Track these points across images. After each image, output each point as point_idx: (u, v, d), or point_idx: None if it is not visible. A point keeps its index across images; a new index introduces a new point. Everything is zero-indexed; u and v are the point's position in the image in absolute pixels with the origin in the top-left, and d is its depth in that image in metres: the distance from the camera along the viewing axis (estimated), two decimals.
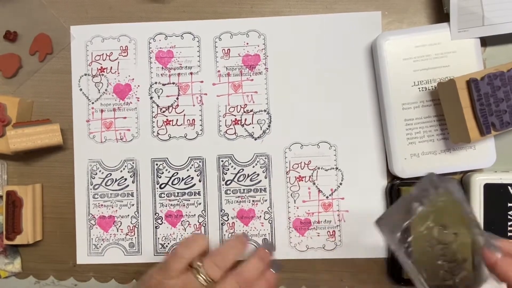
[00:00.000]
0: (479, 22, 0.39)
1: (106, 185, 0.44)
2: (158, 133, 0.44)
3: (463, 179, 0.42)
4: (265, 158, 0.43)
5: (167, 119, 0.44)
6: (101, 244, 0.43)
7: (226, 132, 0.43)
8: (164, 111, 0.44)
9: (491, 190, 0.39)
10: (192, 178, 0.43)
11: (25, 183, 0.43)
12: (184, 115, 0.44)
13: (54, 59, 0.44)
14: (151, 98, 0.43)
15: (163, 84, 0.42)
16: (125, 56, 0.42)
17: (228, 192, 0.43)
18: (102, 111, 0.44)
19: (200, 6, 0.44)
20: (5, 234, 0.42)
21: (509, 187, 0.39)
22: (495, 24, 0.39)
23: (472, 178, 0.40)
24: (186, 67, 0.43)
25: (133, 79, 0.40)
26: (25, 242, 0.42)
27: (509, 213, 0.40)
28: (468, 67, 0.40)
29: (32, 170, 0.44)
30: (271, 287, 0.37)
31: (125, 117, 0.44)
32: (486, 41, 0.41)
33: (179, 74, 0.43)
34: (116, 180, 0.44)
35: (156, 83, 0.43)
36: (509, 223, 0.40)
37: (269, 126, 0.43)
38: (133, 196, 0.43)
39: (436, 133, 0.40)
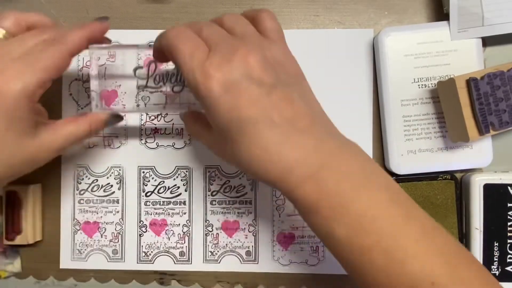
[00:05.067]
0: (479, 22, 0.39)
1: (92, 191, 0.44)
2: (146, 141, 0.44)
3: (462, 179, 0.42)
4: None
5: (155, 128, 0.44)
6: (85, 250, 0.44)
7: None
8: (153, 119, 0.44)
9: (491, 190, 0.40)
10: (178, 187, 0.43)
11: (25, 183, 0.43)
12: (173, 124, 0.44)
13: None
14: (138, 106, 0.43)
15: (151, 92, 0.42)
16: (112, 61, 0.41)
17: (214, 203, 0.43)
18: None
19: (200, 6, 0.44)
20: (5, 234, 0.43)
21: (509, 187, 0.40)
22: (495, 24, 0.39)
23: (472, 178, 0.40)
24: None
25: (119, 85, 0.40)
26: (25, 242, 0.42)
27: (509, 213, 0.40)
28: (469, 66, 0.40)
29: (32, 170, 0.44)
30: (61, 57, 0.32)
31: None
32: (486, 41, 0.41)
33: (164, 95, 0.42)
34: (102, 186, 0.44)
35: (142, 90, 0.42)
36: (509, 223, 0.40)
37: None
38: (118, 203, 0.44)
39: (433, 130, 0.41)
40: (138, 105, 0.39)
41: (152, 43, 0.33)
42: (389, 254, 0.25)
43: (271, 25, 0.31)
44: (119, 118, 0.38)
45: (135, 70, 0.39)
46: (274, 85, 0.28)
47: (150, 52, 0.36)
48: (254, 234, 0.43)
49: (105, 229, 0.44)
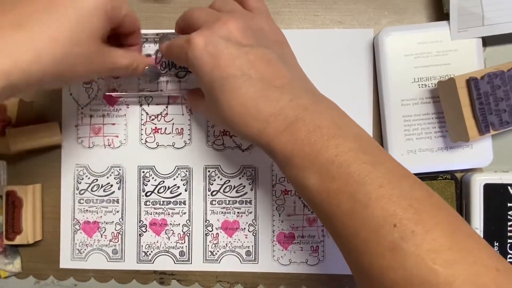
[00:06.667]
0: (479, 22, 0.39)
1: (92, 190, 0.44)
2: (146, 140, 0.44)
3: (462, 179, 0.42)
4: (252, 170, 0.43)
5: (155, 127, 0.44)
6: (85, 249, 0.44)
7: (214, 142, 0.43)
8: (153, 119, 0.44)
9: (491, 190, 0.40)
10: (178, 187, 0.43)
11: (25, 183, 0.43)
12: (173, 123, 0.44)
13: None
14: (141, 105, 0.44)
15: (151, 91, 0.42)
16: None
17: (214, 202, 0.43)
18: (91, 116, 0.44)
19: (200, 6, 0.43)
20: (5, 234, 0.43)
21: (509, 187, 0.40)
22: (495, 24, 0.39)
23: (472, 178, 0.40)
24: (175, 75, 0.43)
25: (120, 85, 0.40)
26: (25, 242, 0.42)
27: (509, 213, 0.40)
28: (469, 66, 0.40)
29: (32, 170, 0.44)
30: None
31: (113, 124, 0.44)
32: (486, 41, 0.41)
33: (167, 81, 0.42)
34: (102, 186, 0.44)
35: (143, 90, 0.42)
36: (509, 223, 0.40)
37: None
38: (118, 203, 0.44)
39: (434, 130, 0.41)
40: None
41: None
42: (354, 198, 0.27)
43: (256, 3, 0.35)
44: (156, 74, 0.40)
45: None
46: (252, 46, 0.31)
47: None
48: (254, 234, 0.43)
49: (105, 229, 0.44)
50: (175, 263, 0.43)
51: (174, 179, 0.43)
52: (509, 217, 0.40)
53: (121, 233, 0.44)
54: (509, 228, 0.40)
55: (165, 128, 0.44)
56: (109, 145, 0.44)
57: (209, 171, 0.43)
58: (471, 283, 0.23)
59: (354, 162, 0.27)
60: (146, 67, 0.38)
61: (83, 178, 0.44)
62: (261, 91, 0.30)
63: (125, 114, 0.44)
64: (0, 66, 0.26)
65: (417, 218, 0.25)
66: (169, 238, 0.43)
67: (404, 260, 0.24)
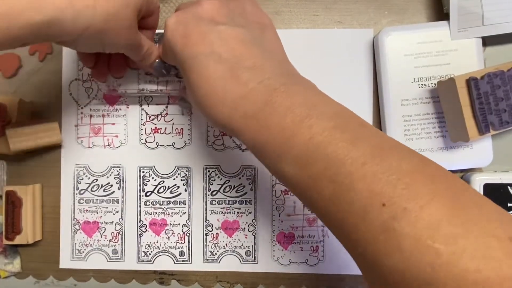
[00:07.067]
0: (479, 22, 0.39)
1: (91, 190, 0.44)
2: (146, 140, 0.44)
3: (462, 179, 0.42)
4: (252, 171, 0.43)
5: (155, 127, 0.44)
6: (85, 249, 0.44)
7: (214, 142, 0.43)
8: (153, 119, 0.44)
9: (491, 190, 0.40)
10: (178, 187, 0.43)
11: (25, 183, 0.43)
12: (173, 123, 0.44)
13: (55, 59, 0.44)
14: (141, 105, 0.44)
15: (151, 91, 0.42)
16: None
17: (214, 202, 0.43)
18: (91, 116, 0.44)
19: None
20: (5, 234, 0.43)
21: (509, 187, 0.40)
22: (495, 24, 0.39)
23: (472, 178, 0.40)
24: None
25: (120, 84, 0.40)
26: (24, 242, 0.42)
27: (509, 213, 0.39)
28: (469, 66, 0.40)
29: (32, 170, 0.44)
30: None
31: (113, 124, 0.44)
32: (486, 41, 0.41)
33: (167, 82, 0.42)
34: (102, 186, 0.44)
35: (143, 90, 0.42)
36: None
37: None
38: (118, 203, 0.44)
39: (433, 130, 0.41)
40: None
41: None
42: (335, 181, 0.24)
43: None
44: (162, 70, 0.39)
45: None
46: (225, 24, 0.30)
47: None
48: (254, 234, 0.43)
49: (105, 229, 0.44)
50: (175, 263, 0.43)
51: (174, 179, 0.43)
52: None
53: (121, 233, 0.44)
54: None
55: (165, 128, 0.44)
56: (109, 145, 0.44)
57: (209, 171, 0.43)
58: (480, 258, 0.20)
59: (331, 143, 0.25)
60: (157, 60, 0.37)
61: (83, 178, 0.44)
62: (230, 71, 0.28)
63: (125, 114, 0.44)
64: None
65: (409, 193, 0.22)
66: (169, 238, 0.43)
67: (400, 242, 0.22)
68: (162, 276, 0.44)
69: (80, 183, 0.44)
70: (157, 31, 0.41)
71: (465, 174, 0.42)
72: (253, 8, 0.33)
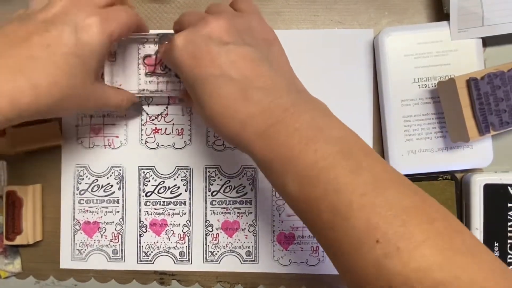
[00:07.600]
0: (479, 22, 0.39)
1: (92, 191, 0.44)
2: (146, 141, 0.44)
3: (463, 179, 0.42)
4: (252, 171, 0.43)
5: (155, 128, 0.44)
6: (85, 250, 0.44)
7: (214, 143, 0.43)
8: (153, 120, 0.44)
9: (491, 190, 0.40)
10: (179, 187, 0.43)
11: (25, 183, 0.43)
12: (173, 124, 0.44)
13: None
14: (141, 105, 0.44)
15: (151, 91, 0.42)
16: (113, 60, 0.41)
17: (214, 203, 0.43)
18: (91, 116, 0.44)
19: (201, 6, 0.43)
20: (5, 234, 0.43)
21: (509, 187, 0.40)
22: (495, 24, 0.39)
23: (472, 178, 0.40)
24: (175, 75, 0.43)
25: (120, 84, 0.40)
26: (25, 242, 0.42)
27: (509, 213, 0.40)
28: (469, 66, 0.40)
29: (32, 170, 0.44)
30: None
31: (114, 124, 0.44)
32: (486, 41, 0.41)
33: (167, 82, 0.42)
34: (102, 186, 0.44)
35: (143, 90, 0.42)
36: (509, 223, 0.40)
37: None
38: (118, 203, 0.44)
39: (434, 131, 0.41)
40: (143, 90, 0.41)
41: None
42: (334, 208, 0.24)
43: (244, 4, 0.34)
44: (140, 108, 0.43)
45: (144, 58, 0.41)
46: (234, 43, 0.30)
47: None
48: (254, 234, 0.43)
49: (105, 229, 0.44)
50: (175, 263, 0.43)
51: (174, 179, 0.43)
52: (509, 217, 0.40)
53: (121, 233, 0.44)
54: (509, 229, 0.40)
55: (165, 129, 0.44)
56: (109, 145, 0.44)
57: (209, 172, 0.43)
58: None
59: (334, 169, 0.25)
60: (133, 101, 0.40)
61: (83, 179, 0.44)
62: (241, 92, 0.29)
63: (125, 115, 0.44)
64: None
65: (404, 231, 0.23)
66: (169, 238, 0.43)
67: (390, 279, 0.22)
68: (163, 276, 0.44)
69: (80, 184, 0.44)
70: (157, 31, 0.41)
71: (465, 175, 0.42)
72: (259, 25, 0.33)
